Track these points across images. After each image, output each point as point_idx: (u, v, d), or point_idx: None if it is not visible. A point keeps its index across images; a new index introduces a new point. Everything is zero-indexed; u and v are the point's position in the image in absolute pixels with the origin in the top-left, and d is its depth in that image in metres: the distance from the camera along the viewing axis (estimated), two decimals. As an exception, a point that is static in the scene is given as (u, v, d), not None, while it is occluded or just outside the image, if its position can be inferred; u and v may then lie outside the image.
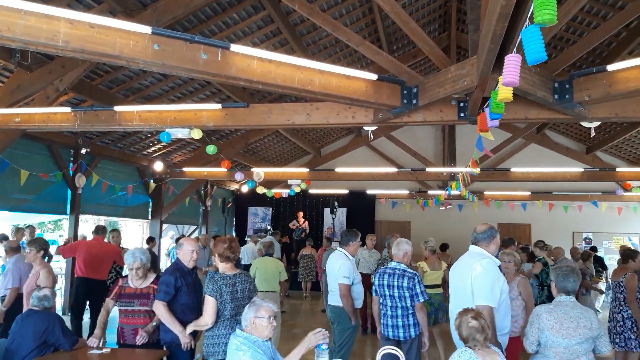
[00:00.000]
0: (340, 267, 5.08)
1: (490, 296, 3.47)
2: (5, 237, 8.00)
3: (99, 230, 7.55)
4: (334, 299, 5.20)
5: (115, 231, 7.94)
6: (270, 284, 6.86)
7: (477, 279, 3.54)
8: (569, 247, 13.47)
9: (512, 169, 11.45)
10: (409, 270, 4.77)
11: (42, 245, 5.35)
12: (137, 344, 4.21)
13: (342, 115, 5.60)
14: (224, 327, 3.82)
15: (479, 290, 3.51)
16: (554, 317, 3.45)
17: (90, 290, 7.20)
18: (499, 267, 3.81)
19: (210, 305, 3.75)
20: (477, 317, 3.03)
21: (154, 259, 11.02)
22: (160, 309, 4.00)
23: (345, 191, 15.50)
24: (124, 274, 4.59)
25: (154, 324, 4.28)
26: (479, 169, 10.28)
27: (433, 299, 6.66)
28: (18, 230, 8.26)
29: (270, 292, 6.78)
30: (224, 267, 3.99)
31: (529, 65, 2.66)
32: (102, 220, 12.60)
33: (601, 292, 10.42)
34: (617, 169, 11.10)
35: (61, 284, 10.24)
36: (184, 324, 4.01)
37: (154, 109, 6.12)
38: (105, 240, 7.64)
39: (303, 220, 15.38)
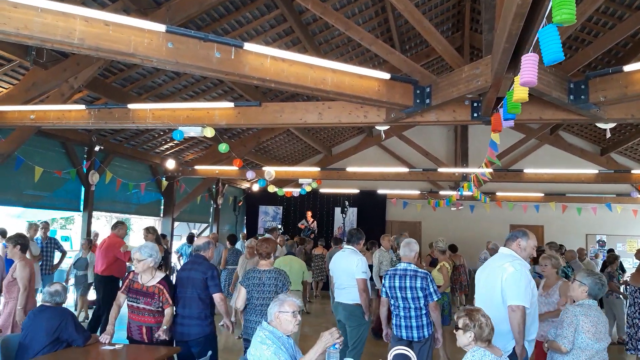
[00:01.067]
0: (357, 263, 5.25)
1: (523, 296, 3.48)
2: (3, 232, 8.05)
3: (115, 227, 7.61)
4: (346, 296, 5.24)
5: (122, 223, 7.89)
6: (295, 284, 6.93)
7: (509, 279, 3.55)
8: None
9: (525, 170, 11.35)
10: (420, 270, 4.74)
11: (18, 240, 5.38)
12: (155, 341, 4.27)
13: (354, 114, 5.59)
14: (254, 314, 4.45)
15: (511, 290, 3.51)
16: (589, 320, 3.45)
17: (95, 285, 7.32)
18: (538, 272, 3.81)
19: (241, 292, 4.54)
20: (486, 315, 3.00)
21: (166, 257, 11.14)
22: (221, 299, 4.56)
23: (356, 191, 15.47)
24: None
25: (165, 327, 4.27)
26: (491, 170, 10.21)
27: (449, 299, 6.71)
28: (31, 226, 8.36)
29: (294, 290, 6.84)
30: (258, 262, 4.68)
31: (546, 65, 2.63)
32: (115, 217, 12.71)
33: (625, 297, 10.27)
34: (632, 171, 10.94)
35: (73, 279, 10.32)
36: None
37: (167, 107, 6.17)
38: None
39: (312, 219, 15.37)
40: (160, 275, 4.44)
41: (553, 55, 2.43)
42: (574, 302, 3.73)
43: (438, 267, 7.10)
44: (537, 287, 4.54)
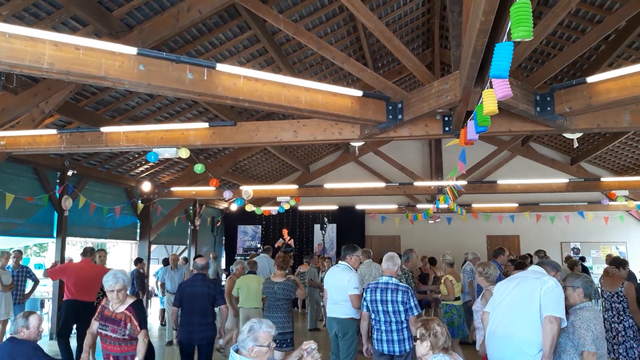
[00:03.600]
0: (349, 279, 5.37)
1: (562, 309, 3.61)
2: None
3: (87, 252, 7.45)
4: (341, 311, 5.35)
5: (102, 251, 7.84)
6: (253, 301, 6.99)
7: (550, 292, 3.67)
8: (557, 257, 13.58)
9: (498, 181, 11.55)
10: (401, 284, 4.78)
11: None
12: None
13: (329, 131, 5.65)
14: (269, 311, 5.99)
15: (552, 302, 3.63)
16: (599, 322, 3.56)
17: (79, 312, 7.08)
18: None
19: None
20: (441, 324, 3.11)
21: (142, 280, 10.94)
22: (226, 309, 5.79)
23: (335, 207, 15.52)
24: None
25: (137, 358, 4.09)
26: (463, 182, 10.37)
27: (459, 311, 6.85)
28: (3, 254, 8.13)
29: (252, 308, 6.93)
30: (275, 274, 6.16)
31: (490, 77, 2.72)
32: (90, 242, 12.46)
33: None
34: (602, 179, 11.24)
35: (48, 308, 10.06)
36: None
37: (141, 129, 6.12)
38: (93, 261, 7.55)
39: (288, 237, 15.33)
40: (129, 300, 4.26)
41: (499, 72, 2.53)
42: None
43: (443, 279, 7.23)
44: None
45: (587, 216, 14.47)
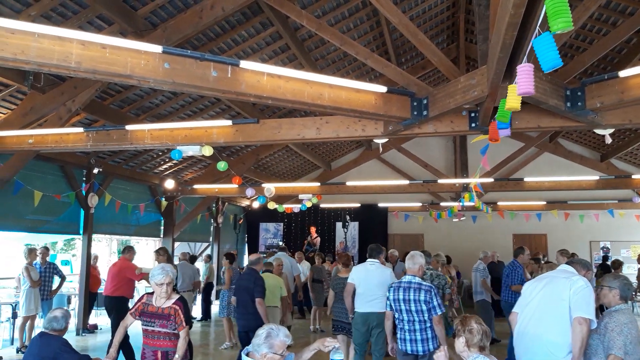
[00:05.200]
0: (390, 275, 5.77)
1: (592, 310, 3.53)
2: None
3: (126, 251, 7.74)
4: (379, 305, 5.52)
5: (131, 248, 7.92)
6: (270, 299, 6.97)
7: (580, 292, 3.59)
8: (586, 256, 13.26)
9: (525, 179, 11.33)
10: (424, 283, 4.70)
11: None
12: None
13: (352, 128, 5.59)
14: (340, 303, 6.38)
15: (581, 303, 3.55)
16: (634, 326, 3.44)
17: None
18: None
19: (330, 294, 6.76)
20: (480, 322, 3.01)
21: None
22: (259, 304, 6.08)
23: (357, 205, 15.43)
24: (149, 291, 4.40)
25: (177, 356, 4.04)
26: (489, 179, 10.18)
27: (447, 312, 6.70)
28: (31, 251, 8.29)
29: (271, 307, 6.93)
30: (341, 270, 6.80)
31: (545, 72, 2.63)
32: (115, 239, 12.66)
33: None
34: (633, 176, 10.92)
35: (75, 304, 10.26)
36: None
37: (165, 127, 6.17)
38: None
39: (315, 235, 15.29)
40: (175, 296, 4.23)
41: (551, 63, 2.42)
42: (606, 309, 3.71)
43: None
44: None
45: (617, 214, 14.08)
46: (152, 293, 4.19)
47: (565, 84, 4.67)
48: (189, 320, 4.26)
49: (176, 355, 4.05)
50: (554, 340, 3.58)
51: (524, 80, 2.87)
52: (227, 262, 8.79)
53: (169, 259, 7.55)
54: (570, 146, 14.26)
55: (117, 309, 7.15)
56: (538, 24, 2.61)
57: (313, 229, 15.34)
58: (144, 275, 7.32)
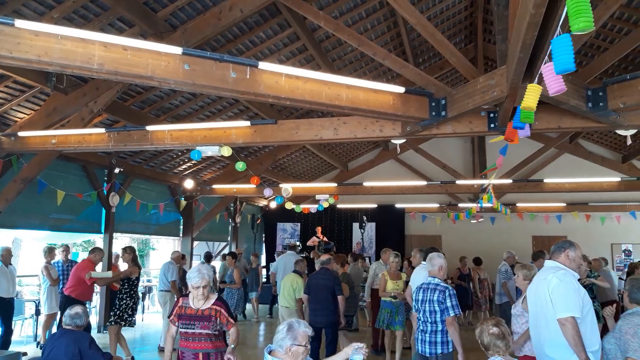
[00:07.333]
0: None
1: (572, 306, 3.42)
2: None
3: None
4: None
5: (99, 250, 7.69)
6: (284, 300, 7.10)
7: (555, 292, 3.52)
8: (608, 259, 13.00)
9: (545, 180, 11.17)
10: (441, 283, 4.69)
11: None
12: None
13: (369, 129, 5.59)
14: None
15: (558, 303, 3.47)
16: None
17: None
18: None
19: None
20: (497, 324, 3.02)
21: (184, 276, 11.16)
22: (342, 300, 6.49)
23: (374, 205, 15.39)
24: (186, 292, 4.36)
25: (233, 346, 4.02)
26: (508, 181, 10.07)
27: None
28: (51, 250, 8.43)
29: (284, 307, 7.07)
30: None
31: (556, 74, 2.60)
32: (135, 238, 12.82)
33: None
34: (656, 178, 10.71)
35: (96, 301, 10.42)
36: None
37: (185, 128, 6.25)
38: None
39: (322, 235, 15.29)
40: (214, 296, 4.16)
41: (564, 66, 2.38)
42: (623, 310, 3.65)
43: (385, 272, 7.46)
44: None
45: (639, 216, 13.80)
46: (188, 295, 4.15)
47: (586, 84, 4.61)
48: (232, 316, 4.24)
49: (232, 345, 4.04)
50: (559, 342, 3.51)
51: (553, 80, 2.81)
52: (232, 260, 8.73)
53: (135, 259, 7.42)
54: (591, 147, 14.03)
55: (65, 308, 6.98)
56: (559, 24, 2.58)
57: (319, 229, 15.32)
58: (94, 281, 7.21)
